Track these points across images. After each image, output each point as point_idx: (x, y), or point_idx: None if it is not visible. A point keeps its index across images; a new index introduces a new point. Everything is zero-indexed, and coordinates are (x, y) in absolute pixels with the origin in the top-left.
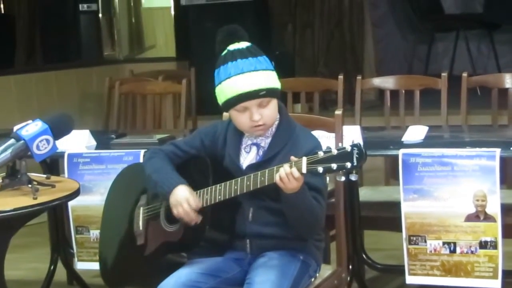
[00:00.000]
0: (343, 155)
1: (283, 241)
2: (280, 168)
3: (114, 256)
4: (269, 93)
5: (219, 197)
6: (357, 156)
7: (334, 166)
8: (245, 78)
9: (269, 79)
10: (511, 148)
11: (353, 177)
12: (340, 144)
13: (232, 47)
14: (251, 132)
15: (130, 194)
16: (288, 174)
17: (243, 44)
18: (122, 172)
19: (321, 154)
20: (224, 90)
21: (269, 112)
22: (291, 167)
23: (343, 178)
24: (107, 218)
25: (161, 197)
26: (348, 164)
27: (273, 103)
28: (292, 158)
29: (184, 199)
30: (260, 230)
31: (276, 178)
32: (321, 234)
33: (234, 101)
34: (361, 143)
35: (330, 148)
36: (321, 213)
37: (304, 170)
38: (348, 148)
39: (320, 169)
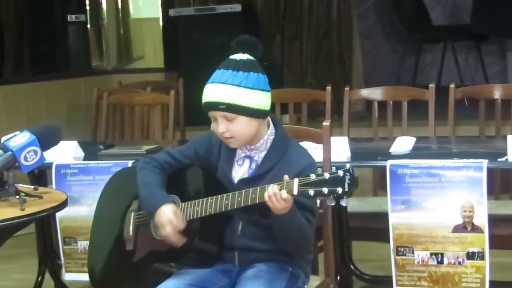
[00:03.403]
0: (335, 180)
1: (271, 254)
2: (269, 187)
3: (102, 260)
4: (231, 108)
5: (210, 210)
6: (348, 182)
7: (325, 190)
8: (212, 88)
9: (235, 95)
10: (499, 159)
11: (343, 203)
12: (333, 169)
13: (233, 56)
14: (224, 141)
15: (122, 198)
16: (276, 194)
17: (243, 57)
18: (114, 175)
19: (313, 177)
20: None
21: (236, 127)
22: (281, 188)
23: (333, 203)
24: (97, 221)
25: (149, 216)
26: (339, 190)
27: (241, 120)
28: (285, 177)
29: (167, 222)
30: (249, 244)
31: (265, 197)
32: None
33: (203, 108)
34: (353, 169)
35: (323, 172)
36: (310, 233)
37: (295, 192)
38: (341, 173)
39: (311, 192)
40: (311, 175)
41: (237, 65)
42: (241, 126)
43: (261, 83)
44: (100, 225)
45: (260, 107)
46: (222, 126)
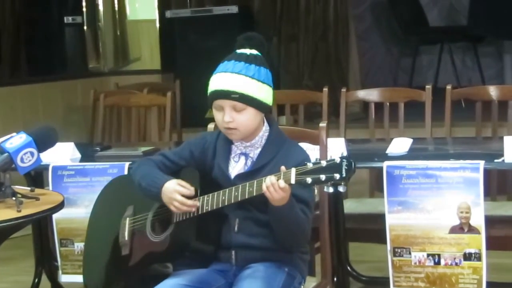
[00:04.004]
0: (332, 167)
1: (268, 252)
2: (267, 178)
3: (98, 267)
4: (243, 98)
5: (207, 207)
6: (346, 167)
7: (323, 177)
8: (224, 77)
9: (248, 86)
10: (495, 160)
11: (341, 188)
12: (329, 156)
13: (240, 50)
14: (225, 133)
15: (116, 205)
16: (274, 184)
17: (252, 51)
18: (108, 184)
19: (310, 165)
20: (209, 84)
21: (243, 118)
22: (279, 178)
23: (331, 190)
24: (92, 229)
25: (156, 201)
26: (337, 176)
27: (249, 111)
28: (282, 168)
29: (174, 192)
30: (246, 241)
31: (263, 188)
32: (306, 246)
33: (210, 97)
34: (350, 155)
35: (319, 160)
36: (308, 226)
37: (293, 181)
38: (337, 160)
39: (309, 180)
40: (308, 163)
41: (249, 58)
42: (248, 118)
43: (269, 79)
44: (95, 233)
45: (267, 102)
46: (228, 116)
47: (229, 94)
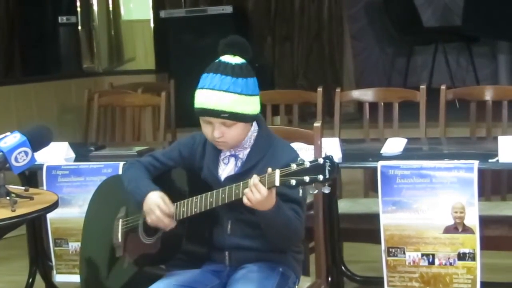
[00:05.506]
0: (316, 168)
1: (262, 253)
2: (246, 189)
3: (93, 269)
4: (233, 117)
5: (195, 209)
6: (329, 168)
7: (306, 178)
8: (212, 95)
9: (238, 103)
10: (489, 160)
11: (325, 190)
12: (312, 157)
13: (224, 58)
14: (213, 143)
15: (109, 206)
16: (254, 189)
17: (236, 60)
18: (101, 184)
19: (294, 166)
20: (195, 98)
21: (233, 133)
22: (263, 180)
23: (316, 191)
24: (87, 230)
25: (139, 207)
26: (321, 177)
27: (239, 126)
28: (269, 170)
29: (155, 206)
30: (239, 243)
31: (244, 200)
32: (300, 246)
33: (199, 113)
34: (333, 156)
35: (303, 161)
36: (300, 226)
37: (277, 183)
38: (321, 161)
39: (293, 181)
40: (292, 165)
41: (235, 70)
42: (238, 132)
43: (256, 88)
44: (90, 234)
45: (256, 112)
46: (218, 131)
47: (218, 113)
